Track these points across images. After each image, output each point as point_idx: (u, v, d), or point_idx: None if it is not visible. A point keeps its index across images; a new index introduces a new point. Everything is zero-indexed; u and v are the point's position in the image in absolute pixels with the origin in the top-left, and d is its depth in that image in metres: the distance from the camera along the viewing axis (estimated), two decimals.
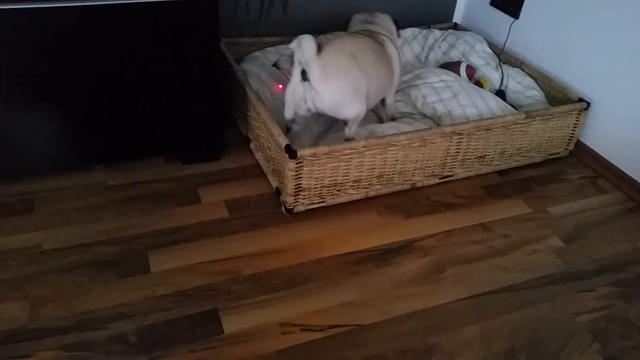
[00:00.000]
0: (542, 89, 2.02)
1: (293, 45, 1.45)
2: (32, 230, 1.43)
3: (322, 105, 1.50)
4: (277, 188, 1.60)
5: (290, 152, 1.40)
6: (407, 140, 1.56)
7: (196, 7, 1.43)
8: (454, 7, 2.49)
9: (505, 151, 1.79)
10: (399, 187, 1.68)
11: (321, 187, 1.53)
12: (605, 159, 1.88)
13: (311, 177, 1.48)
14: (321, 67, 1.45)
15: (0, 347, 1.14)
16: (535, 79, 2.05)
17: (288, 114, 1.56)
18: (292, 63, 1.50)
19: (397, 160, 1.60)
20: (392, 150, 1.56)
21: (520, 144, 1.81)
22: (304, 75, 1.46)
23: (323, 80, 1.46)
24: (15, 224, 1.45)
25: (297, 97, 1.51)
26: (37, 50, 1.36)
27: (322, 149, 1.43)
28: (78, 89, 1.45)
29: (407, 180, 1.68)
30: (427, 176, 1.71)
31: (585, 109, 1.85)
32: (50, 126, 1.48)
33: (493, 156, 1.78)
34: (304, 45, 1.41)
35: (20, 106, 1.42)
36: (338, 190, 1.57)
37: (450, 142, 1.65)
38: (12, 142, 1.47)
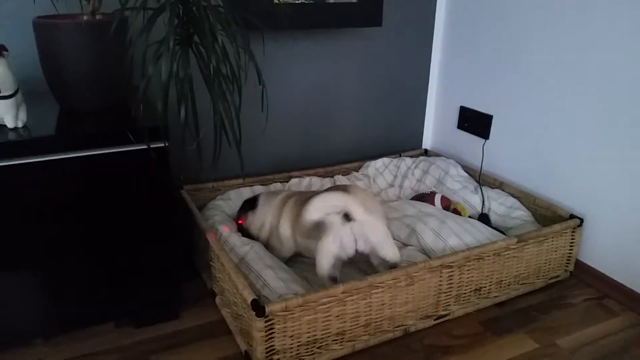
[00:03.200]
0: (527, 208, 1.90)
1: (316, 211, 1.44)
2: None
3: (377, 235, 1.45)
4: (246, 351, 1.37)
5: (258, 308, 1.20)
6: (392, 279, 1.39)
7: (143, 156, 1.31)
8: (422, 134, 2.46)
9: (502, 280, 1.63)
10: (390, 335, 1.47)
11: (298, 346, 1.31)
12: (610, 277, 1.73)
13: (285, 336, 1.27)
14: (359, 202, 1.45)
15: None
16: (518, 199, 1.94)
17: (331, 269, 1.44)
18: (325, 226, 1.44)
19: (384, 304, 1.41)
20: (376, 292, 1.38)
21: (516, 271, 1.65)
22: (347, 217, 1.43)
23: (368, 211, 1.45)
24: None
25: (346, 241, 1.44)
26: None
27: (294, 301, 1.24)
28: (9, 250, 1.28)
29: (399, 326, 1.48)
30: (421, 318, 1.51)
31: (578, 226, 1.72)
32: None
33: (490, 287, 1.61)
34: (334, 195, 1.46)
35: None
36: (318, 348, 1.35)
37: (441, 276, 1.48)
38: None
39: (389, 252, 1.47)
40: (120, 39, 1.27)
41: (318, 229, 1.45)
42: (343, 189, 1.53)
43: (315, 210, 1.45)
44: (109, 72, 1.34)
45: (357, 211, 1.43)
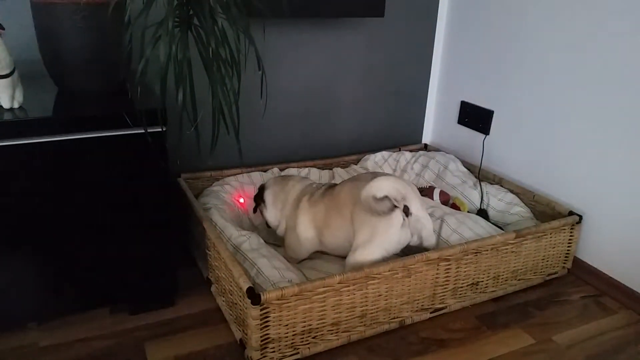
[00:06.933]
0: (526, 204, 1.89)
1: (382, 190, 1.40)
2: None
3: (428, 229, 1.49)
4: (241, 340, 1.36)
5: (253, 296, 1.19)
6: (389, 271, 1.37)
7: (140, 141, 1.29)
8: (422, 129, 2.45)
9: (499, 276, 1.62)
10: (386, 327, 1.46)
11: (293, 335, 1.29)
12: (607, 275, 1.72)
13: (280, 325, 1.26)
14: (416, 194, 1.46)
15: None
16: (517, 195, 1.93)
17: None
18: (383, 210, 1.41)
19: (380, 296, 1.39)
20: (372, 284, 1.36)
21: (514, 267, 1.63)
22: (407, 212, 1.43)
23: (422, 206, 1.47)
24: None
25: (404, 240, 1.45)
26: None
27: (290, 289, 1.22)
28: (4, 233, 1.26)
29: (394, 318, 1.46)
30: (417, 311, 1.50)
31: (577, 223, 1.71)
32: None
33: (487, 282, 1.60)
34: (402, 183, 1.44)
35: None
36: (314, 338, 1.34)
37: (438, 269, 1.47)
38: None
39: (432, 240, 1.53)
40: (119, 20, 1.25)
41: (375, 208, 1.42)
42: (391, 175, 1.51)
43: (380, 187, 1.41)
44: (107, 54, 1.32)
45: (415, 205, 1.44)
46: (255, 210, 1.75)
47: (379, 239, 1.42)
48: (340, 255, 1.57)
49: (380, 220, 1.42)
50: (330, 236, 1.55)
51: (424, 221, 1.49)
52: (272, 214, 1.69)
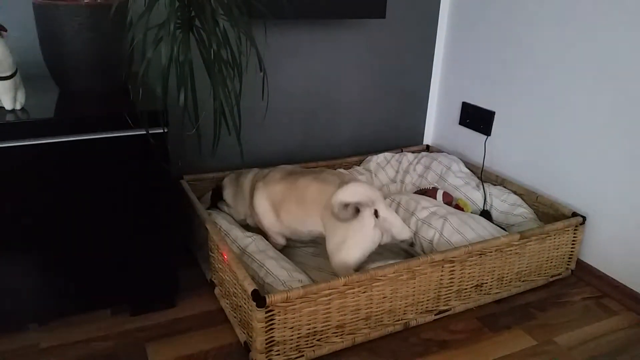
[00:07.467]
0: (529, 205, 1.89)
1: (355, 195, 1.44)
2: None
3: (396, 226, 1.51)
4: (245, 342, 1.35)
5: (259, 299, 1.18)
6: (394, 273, 1.37)
7: (141, 142, 1.28)
8: (424, 130, 2.44)
9: (503, 277, 1.61)
10: (390, 329, 1.45)
11: (298, 338, 1.29)
12: (609, 277, 1.71)
13: (285, 327, 1.25)
14: (382, 197, 1.49)
15: None
16: (520, 196, 1.92)
17: (359, 262, 1.47)
18: (349, 215, 1.44)
19: (384, 298, 1.39)
20: (377, 286, 1.36)
21: (518, 268, 1.63)
22: (376, 214, 1.46)
23: (387, 206, 1.50)
24: None
25: (376, 239, 1.48)
26: None
27: (295, 292, 1.22)
28: (4, 233, 1.25)
29: (399, 320, 1.46)
30: (421, 313, 1.50)
31: (581, 224, 1.71)
32: None
33: (491, 284, 1.59)
34: (370, 189, 1.48)
35: None
36: (318, 340, 1.33)
37: (442, 271, 1.46)
38: None
39: (404, 234, 1.54)
40: (121, 22, 1.24)
41: (340, 215, 1.44)
42: (354, 179, 1.53)
43: (351, 194, 1.44)
44: (109, 55, 1.31)
45: (381, 207, 1.47)
46: (211, 207, 1.79)
47: (354, 240, 1.45)
48: (299, 240, 1.66)
49: (352, 223, 1.45)
50: (292, 222, 1.60)
51: (391, 220, 1.51)
52: (236, 211, 1.74)
